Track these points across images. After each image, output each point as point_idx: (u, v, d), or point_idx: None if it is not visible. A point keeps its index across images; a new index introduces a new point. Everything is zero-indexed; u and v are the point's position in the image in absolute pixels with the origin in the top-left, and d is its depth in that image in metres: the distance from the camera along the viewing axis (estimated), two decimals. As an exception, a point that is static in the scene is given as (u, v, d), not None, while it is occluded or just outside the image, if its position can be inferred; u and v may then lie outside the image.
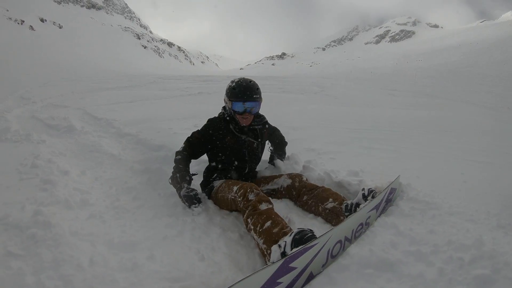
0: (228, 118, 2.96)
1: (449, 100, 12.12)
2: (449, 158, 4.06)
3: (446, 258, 1.81)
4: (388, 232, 2.10)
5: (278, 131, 3.51)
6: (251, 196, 2.34)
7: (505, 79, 22.76)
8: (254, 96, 2.83)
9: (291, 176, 2.96)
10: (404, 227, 2.13)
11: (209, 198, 2.94)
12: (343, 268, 1.80)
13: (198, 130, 3.04)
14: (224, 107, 3.05)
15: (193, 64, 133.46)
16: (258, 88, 2.88)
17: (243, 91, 2.81)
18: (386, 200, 2.55)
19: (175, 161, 2.91)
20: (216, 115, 3.09)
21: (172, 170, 2.88)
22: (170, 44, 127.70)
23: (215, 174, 2.98)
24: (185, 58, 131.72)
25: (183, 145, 3.01)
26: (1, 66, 23.64)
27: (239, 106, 2.83)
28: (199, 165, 3.49)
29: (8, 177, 3.18)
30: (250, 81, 2.88)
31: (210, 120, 3.05)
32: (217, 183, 2.89)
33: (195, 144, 2.98)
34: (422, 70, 33.95)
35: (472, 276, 1.65)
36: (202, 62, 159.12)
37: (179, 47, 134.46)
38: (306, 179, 2.97)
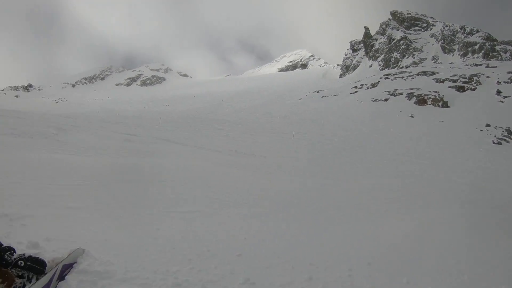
0: None
1: (185, 146, 13.16)
2: (153, 211, 4.19)
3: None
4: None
5: None
6: None
7: (240, 124, 27.03)
8: None
9: None
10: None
11: None
12: None
13: None
14: None
15: None
16: None
17: None
18: (59, 278, 2.34)
19: None
20: None
21: None
22: None
23: None
24: None
25: None
26: None
27: None
28: None
29: None
30: None
31: None
32: None
33: None
34: (167, 115, 36.41)
35: None
36: None
37: None
38: None
